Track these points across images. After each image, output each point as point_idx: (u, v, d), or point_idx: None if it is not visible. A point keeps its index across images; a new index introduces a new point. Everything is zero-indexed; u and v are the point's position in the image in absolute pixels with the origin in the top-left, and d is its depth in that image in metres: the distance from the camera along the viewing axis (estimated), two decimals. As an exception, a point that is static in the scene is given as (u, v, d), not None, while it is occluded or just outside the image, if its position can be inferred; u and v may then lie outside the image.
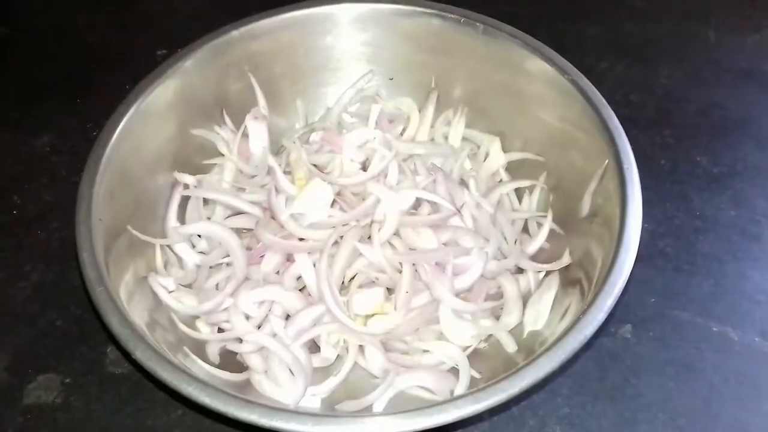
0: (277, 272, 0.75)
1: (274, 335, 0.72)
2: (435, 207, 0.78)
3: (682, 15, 1.11)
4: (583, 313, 0.63)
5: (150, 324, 0.68)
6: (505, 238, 0.78)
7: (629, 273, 0.65)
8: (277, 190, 0.76)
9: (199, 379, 0.60)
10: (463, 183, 0.84)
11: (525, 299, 0.76)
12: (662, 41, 1.08)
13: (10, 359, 0.78)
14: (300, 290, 0.75)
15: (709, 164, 0.94)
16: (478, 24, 0.84)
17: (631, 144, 0.73)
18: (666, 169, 0.93)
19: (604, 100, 0.76)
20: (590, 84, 0.77)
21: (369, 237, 0.75)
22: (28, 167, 0.94)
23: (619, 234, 0.67)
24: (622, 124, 0.75)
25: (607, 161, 0.73)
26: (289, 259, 0.75)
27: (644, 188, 0.70)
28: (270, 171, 0.80)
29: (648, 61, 1.05)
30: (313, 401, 0.69)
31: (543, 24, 1.04)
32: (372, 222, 0.74)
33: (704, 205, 0.90)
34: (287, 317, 0.74)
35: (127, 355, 0.62)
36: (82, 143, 0.95)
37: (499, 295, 0.77)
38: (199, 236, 0.80)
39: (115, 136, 0.74)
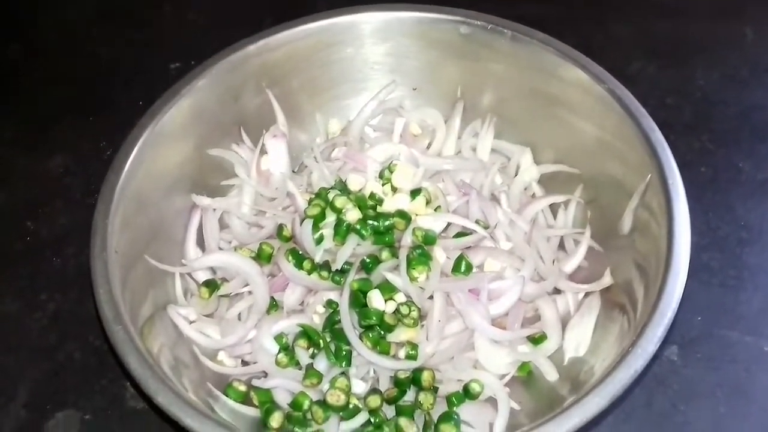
0: (301, 302, 0.72)
1: (301, 368, 0.68)
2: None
3: (716, 12, 1.05)
4: (632, 344, 0.59)
5: (170, 360, 0.65)
6: (542, 258, 0.74)
7: (680, 300, 0.60)
8: (301, 219, 0.72)
9: (224, 424, 0.57)
10: (494, 199, 0.80)
11: (564, 322, 0.72)
12: (696, 40, 1.03)
13: (28, 395, 0.75)
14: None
15: (753, 170, 0.89)
16: (506, 31, 0.79)
17: (669, 150, 0.69)
18: (707, 177, 0.89)
19: (644, 111, 0.71)
20: (629, 93, 0.73)
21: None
22: (42, 190, 0.92)
23: (667, 256, 0.63)
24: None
25: (650, 176, 0.68)
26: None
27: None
28: (290, 197, 0.76)
29: (682, 61, 1.00)
30: None
31: (570, 25, 0.98)
32: (400, 247, 0.71)
33: (749, 214, 0.85)
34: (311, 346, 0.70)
35: (146, 395, 0.59)
36: (96, 163, 0.92)
37: (535, 318, 0.73)
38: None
39: (129, 162, 0.71)
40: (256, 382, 0.68)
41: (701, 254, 0.82)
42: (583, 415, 0.55)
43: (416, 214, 0.73)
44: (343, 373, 0.67)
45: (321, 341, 0.68)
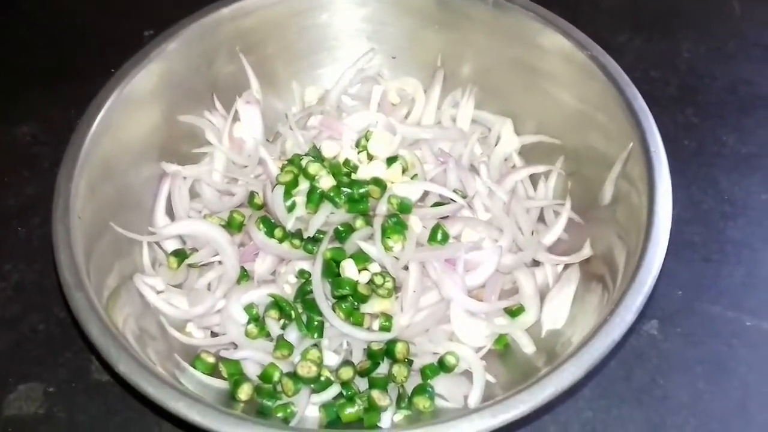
0: (273, 272, 0.69)
1: (271, 340, 0.66)
2: (444, 197, 0.72)
3: (705, -16, 1.04)
4: (610, 313, 0.57)
5: (136, 331, 0.63)
6: (521, 229, 0.72)
7: (660, 269, 0.59)
8: (272, 185, 0.70)
9: (188, 394, 0.55)
10: (474, 169, 0.78)
11: (542, 295, 0.70)
12: (684, 13, 1.01)
13: (-10, 367, 0.73)
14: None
15: (737, 144, 0.88)
16: (487, -4, 0.77)
17: (652, 124, 0.68)
18: (690, 150, 0.87)
19: (627, 78, 0.70)
20: (612, 60, 0.71)
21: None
22: (9, 159, 0.89)
23: (648, 225, 0.61)
24: (641, 103, 0.69)
25: (631, 144, 0.67)
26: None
27: (668, 171, 0.65)
28: (262, 163, 0.74)
29: (669, 34, 0.98)
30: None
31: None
32: (374, 215, 0.68)
33: (733, 188, 0.84)
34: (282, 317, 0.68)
35: (110, 367, 0.57)
36: (65, 132, 0.86)
37: (513, 291, 0.71)
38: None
39: (95, 125, 0.69)
40: (224, 354, 0.66)
41: (684, 228, 0.80)
42: (559, 385, 0.54)
43: (392, 182, 0.71)
44: (315, 345, 0.65)
45: (292, 312, 0.66)
